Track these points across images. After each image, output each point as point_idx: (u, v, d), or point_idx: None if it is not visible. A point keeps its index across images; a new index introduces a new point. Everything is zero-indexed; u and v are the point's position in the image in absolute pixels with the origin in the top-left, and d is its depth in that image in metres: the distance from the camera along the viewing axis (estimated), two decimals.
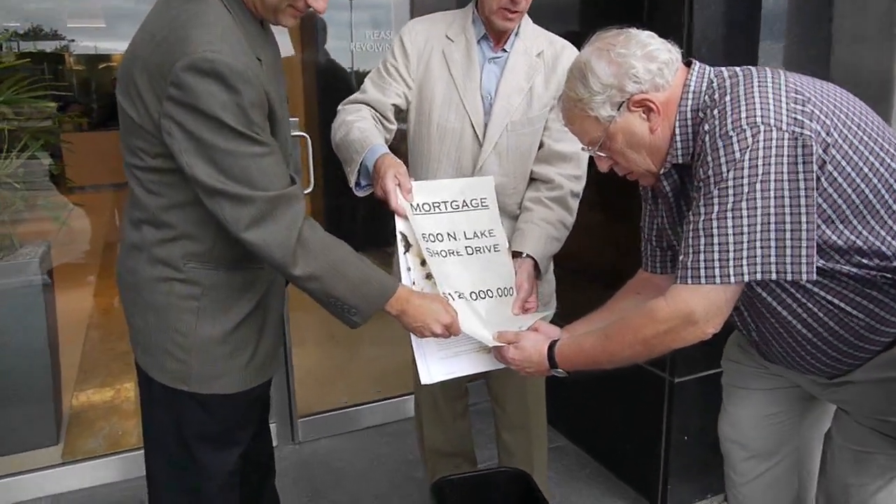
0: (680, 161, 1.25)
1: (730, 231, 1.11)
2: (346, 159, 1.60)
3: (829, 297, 1.21)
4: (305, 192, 2.51)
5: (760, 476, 1.56)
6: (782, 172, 1.09)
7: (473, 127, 1.68)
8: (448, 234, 1.52)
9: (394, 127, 1.71)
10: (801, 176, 1.09)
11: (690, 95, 1.23)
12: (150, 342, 1.34)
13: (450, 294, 1.46)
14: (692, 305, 1.16)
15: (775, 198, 1.09)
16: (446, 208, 1.53)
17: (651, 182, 1.34)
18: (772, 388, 1.52)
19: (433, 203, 1.52)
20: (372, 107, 1.69)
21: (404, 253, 1.47)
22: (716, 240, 1.12)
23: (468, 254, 1.53)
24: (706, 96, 1.21)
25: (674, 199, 1.33)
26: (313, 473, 2.55)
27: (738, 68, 1.23)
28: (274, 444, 2.68)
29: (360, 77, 3.41)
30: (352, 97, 1.73)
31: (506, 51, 1.69)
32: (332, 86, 3.10)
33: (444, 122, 1.68)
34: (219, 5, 1.21)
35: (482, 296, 1.52)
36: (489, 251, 1.57)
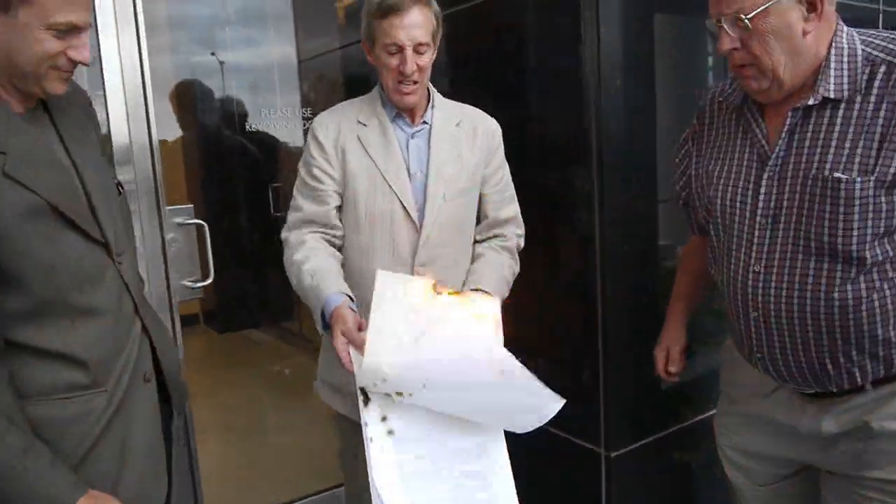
0: (832, 95, 1.23)
1: None
2: (308, 305, 1.54)
3: None
4: (203, 283, 2.32)
5: None
6: None
7: (404, 207, 1.61)
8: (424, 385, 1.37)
9: (342, 232, 1.65)
10: None
11: (845, 34, 1.24)
12: None
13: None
14: None
15: None
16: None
17: (760, 87, 1.29)
18: (781, 481, 1.54)
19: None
20: (314, 222, 1.61)
21: (364, 406, 1.33)
22: None
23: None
24: (877, 44, 1.24)
25: (786, 137, 1.30)
26: None
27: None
28: None
29: (248, 143, 3.25)
30: (291, 219, 1.64)
31: (426, 123, 1.66)
32: (219, 163, 2.94)
33: (371, 207, 1.61)
34: None
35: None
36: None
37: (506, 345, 2.25)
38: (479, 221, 1.78)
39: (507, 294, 1.72)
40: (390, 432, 1.33)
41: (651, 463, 2.20)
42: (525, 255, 2.40)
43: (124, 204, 1.28)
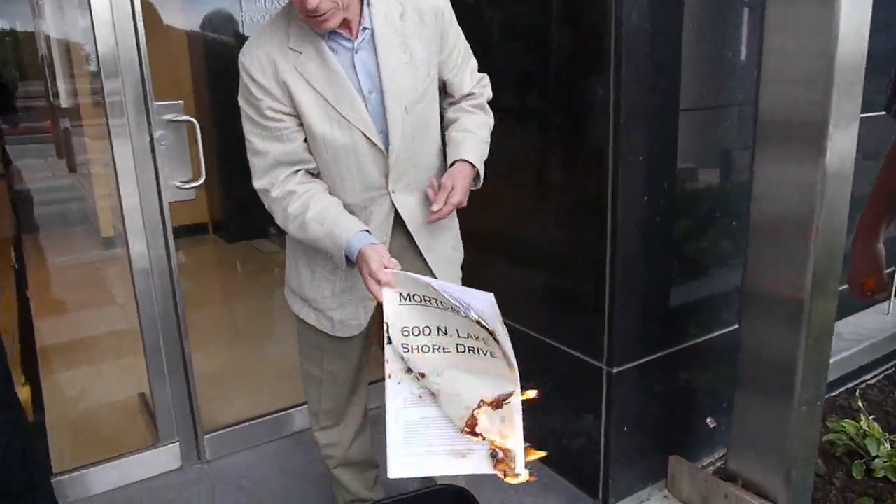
0: None
1: None
2: (323, 251, 1.50)
3: None
4: (196, 183, 2.23)
5: None
6: None
7: (366, 136, 1.47)
8: (439, 329, 1.31)
9: (315, 163, 1.52)
10: None
11: None
12: None
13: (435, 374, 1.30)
14: None
15: None
16: (438, 304, 1.30)
17: None
18: None
19: (424, 296, 1.31)
20: (285, 163, 1.47)
21: (388, 343, 1.28)
22: None
23: (458, 351, 1.32)
24: None
25: None
26: (225, 496, 2.31)
27: None
28: (178, 465, 2.45)
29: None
30: (259, 166, 1.48)
31: (367, 28, 1.46)
32: (220, 64, 2.79)
33: (332, 141, 1.47)
34: None
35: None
36: (484, 354, 1.33)
37: (515, 250, 2.17)
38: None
39: (486, 153, 1.61)
40: (408, 370, 1.31)
41: (654, 381, 2.15)
42: (536, 162, 2.28)
43: None
